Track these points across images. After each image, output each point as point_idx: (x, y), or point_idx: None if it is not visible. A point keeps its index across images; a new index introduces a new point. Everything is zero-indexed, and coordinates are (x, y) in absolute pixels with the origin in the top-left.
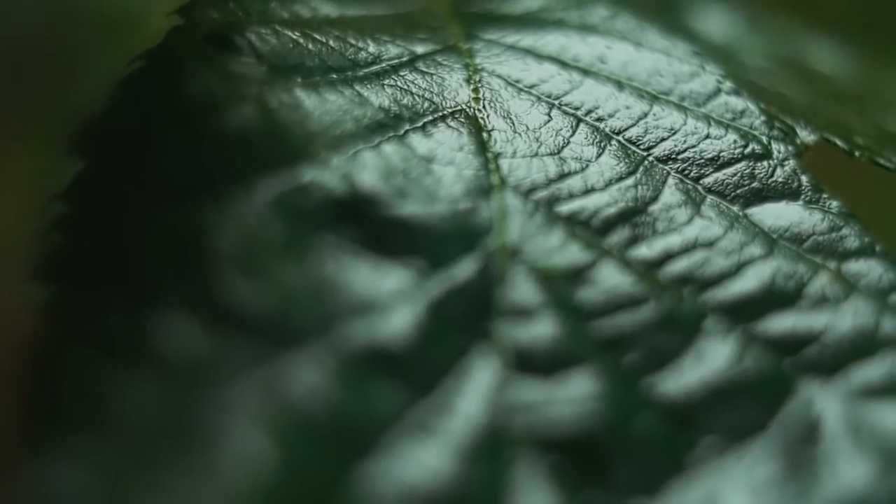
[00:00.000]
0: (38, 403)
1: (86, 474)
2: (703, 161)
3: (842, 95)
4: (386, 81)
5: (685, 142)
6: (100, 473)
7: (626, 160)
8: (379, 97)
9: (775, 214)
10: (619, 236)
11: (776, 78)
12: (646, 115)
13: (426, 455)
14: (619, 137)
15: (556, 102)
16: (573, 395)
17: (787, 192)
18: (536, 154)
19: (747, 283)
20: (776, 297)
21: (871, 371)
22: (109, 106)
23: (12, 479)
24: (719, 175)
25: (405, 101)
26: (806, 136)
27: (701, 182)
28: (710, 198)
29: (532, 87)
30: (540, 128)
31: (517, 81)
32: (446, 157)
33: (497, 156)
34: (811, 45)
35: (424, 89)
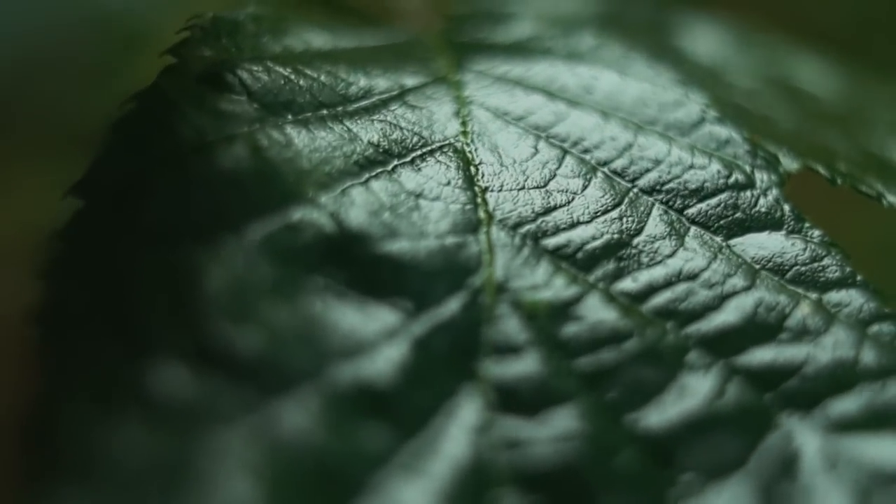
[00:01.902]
0: (32, 452)
1: None
2: (687, 192)
3: (828, 116)
4: (376, 116)
5: (669, 172)
6: None
7: (612, 192)
8: (368, 132)
9: (758, 245)
10: (603, 270)
11: (763, 99)
12: (631, 145)
13: (412, 496)
14: (605, 169)
15: (544, 134)
16: (557, 433)
17: (769, 222)
18: (523, 187)
19: (730, 315)
20: (758, 330)
21: (850, 404)
22: (102, 149)
23: None
24: (703, 206)
25: (394, 136)
26: (789, 164)
27: (685, 213)
28: (693, 229)
29: (520, 119)
30: (527, 160)
31: (505, 114)
32: (434, 191)
33: (485, 190)
34: (800, 64)
35: (413, 123)
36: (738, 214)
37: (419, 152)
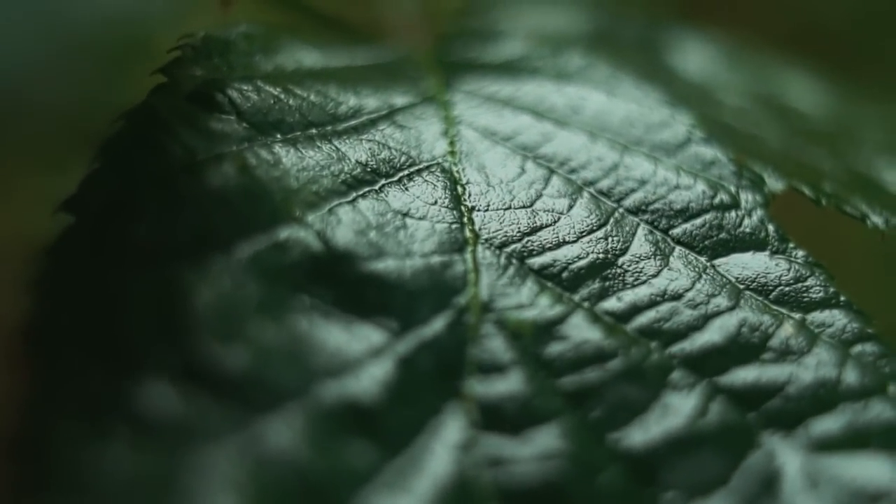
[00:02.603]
0: (21, 467)
1: None
2: (672, 212)
3: (815, 134)
4: (364, 136)
5: (655, 193)
6: None
7: (597, 212)
8: (357, 152)
9: (742, 265)
10: (589, 289)
11: (751, 118)
12: (617, 166)
13: None
14: (591, 189)
15: (531, 154)
16: (541, 451)
17: (754, 243)
18: (510, 207)
19: (713, 335)
20: (741, 350)
21: (832, 423)
22: (92, 167)
23: None
24: (688, 226)
25: (383, 156)
26: (774, 184)
27: (670, 233)
28: (678, 248)
29: (507, 139)
30: (514, 180)
31: (493, 134)
32: (421, 210)
33: (471, 209)
34: (789, 81)
35: (402, 143)
36: (723, 235)
37: (407, 172)
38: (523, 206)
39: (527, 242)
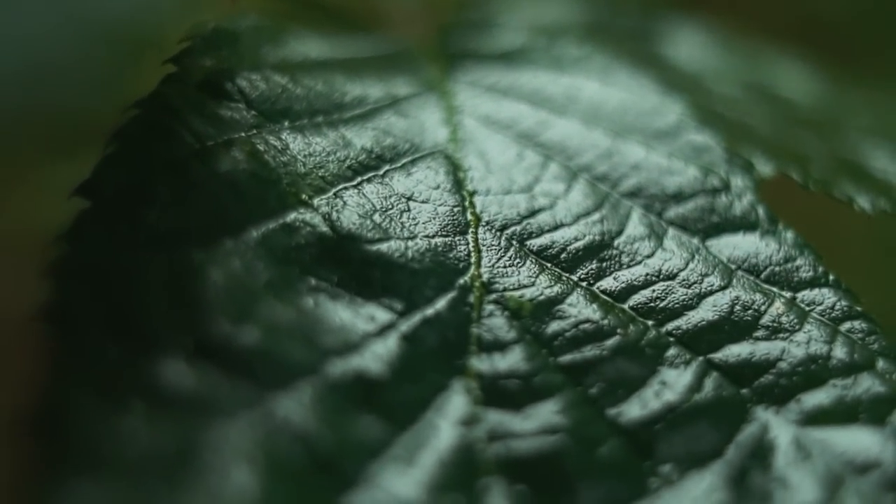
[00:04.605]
0: (41, 444)
1: None
2: (665, 196)
3: (804, 121)
4: (369, 124)
5: (648, 178)
6: None
7: (593, 196)
8: (362, 139)
9: (733, 245)
10: (586, 269)
11: (741, 106)
12: (612, 152)
13: (404, 486)
14: (587, 174)
15: (529, 142)
16: (541, 426)
17: (744, 224)
18: (509, 191)
19: (707, 313)
20: (734, 327)
21: (822, 397)
22: (106, 153)
23: None
24: (680, 209)
25: (387, 143)
26: (764, 169)
27: (663, 216)
28: (671, 230)
29: (507, 127)
30: (513, 166)
31: (493, 122)
32: (424, 194)
33: (472, 193)
34: (780, 69)
35: (405, 130)
36: (715, 217)
37: (410, 158)
38: (522, 191)
39: (526, 225)
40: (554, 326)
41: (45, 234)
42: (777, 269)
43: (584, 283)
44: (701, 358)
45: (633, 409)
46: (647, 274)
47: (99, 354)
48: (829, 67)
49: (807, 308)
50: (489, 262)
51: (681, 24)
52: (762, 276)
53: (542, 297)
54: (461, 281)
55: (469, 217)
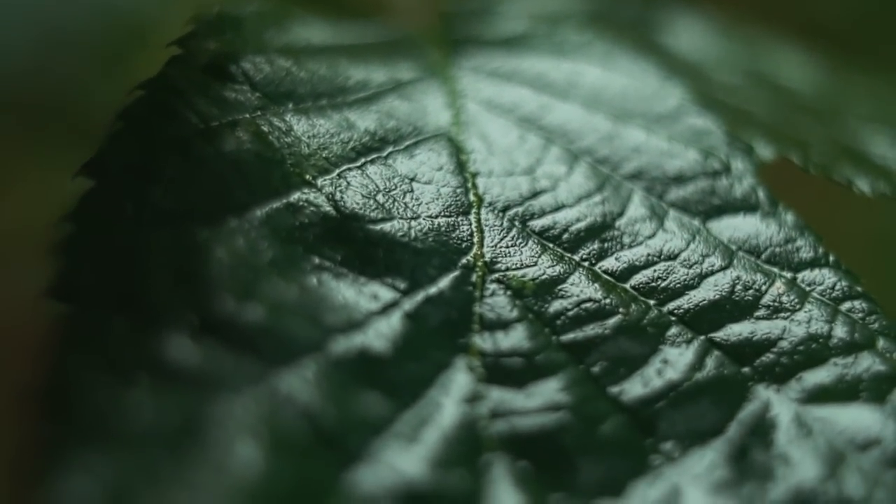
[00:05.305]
0: (48, 418)
1: (92, 489)
2: (666, 179)
3: (804, 109)
4: (373, 107)
5: (649, 161)
6: (105, 488)
7: (595, 178)
8: (365, 121)
9: (734, 227)
10: (588, 250)
11: (741, 93)
12: (612, 136)
13: (408, 463)
14: (588, 157)
15: (531, 125)
16: (544, 404)
17: (745, 206)
18: (511, 173)
19: (708, 293)
20: (735, 307)
21: (823, 376)
22: (112, 133)
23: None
24: (681, 191)
25: (390, 125)
26: (764, 152)
27: (664, 198)
28: (672, 212)
29: (509, 111)
30: (515, 149)
31: (495, 106)
32: (427, 175)
33: (475, 175)
34: (779, 58)
35: (408, 114)
36: (715, 199)
37: (413, 140)
38: (524, 173)
39: (528, 206)
40: (556, 305)
41: (46, 222)
42: (777, 249)
43: (585, 264)
44: (702, 337)
45: (635, 387)
46: (649, 254)
47: (105, 330)
48: (828, 57)
49: (807, 288)
50: (491, 242)
51: (680, 13)
52: (763, 256)
53: (544, 277)
54: (464, 260)
55: (472, 198)
